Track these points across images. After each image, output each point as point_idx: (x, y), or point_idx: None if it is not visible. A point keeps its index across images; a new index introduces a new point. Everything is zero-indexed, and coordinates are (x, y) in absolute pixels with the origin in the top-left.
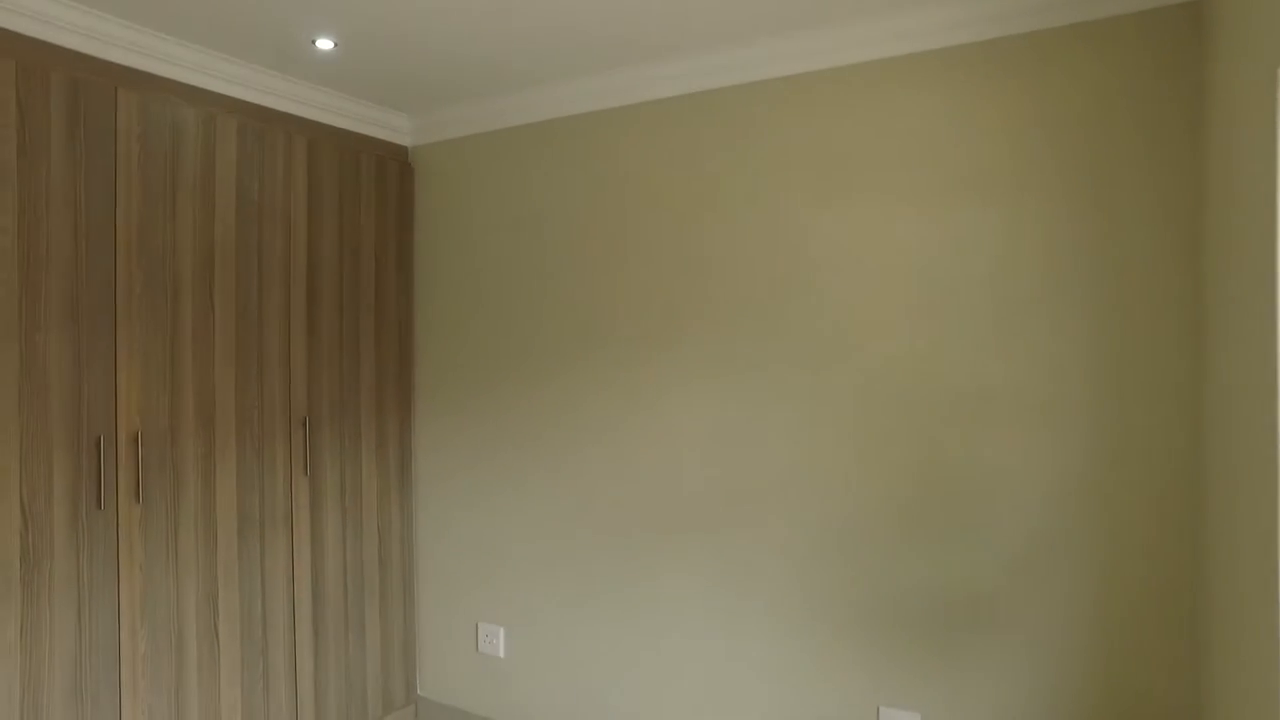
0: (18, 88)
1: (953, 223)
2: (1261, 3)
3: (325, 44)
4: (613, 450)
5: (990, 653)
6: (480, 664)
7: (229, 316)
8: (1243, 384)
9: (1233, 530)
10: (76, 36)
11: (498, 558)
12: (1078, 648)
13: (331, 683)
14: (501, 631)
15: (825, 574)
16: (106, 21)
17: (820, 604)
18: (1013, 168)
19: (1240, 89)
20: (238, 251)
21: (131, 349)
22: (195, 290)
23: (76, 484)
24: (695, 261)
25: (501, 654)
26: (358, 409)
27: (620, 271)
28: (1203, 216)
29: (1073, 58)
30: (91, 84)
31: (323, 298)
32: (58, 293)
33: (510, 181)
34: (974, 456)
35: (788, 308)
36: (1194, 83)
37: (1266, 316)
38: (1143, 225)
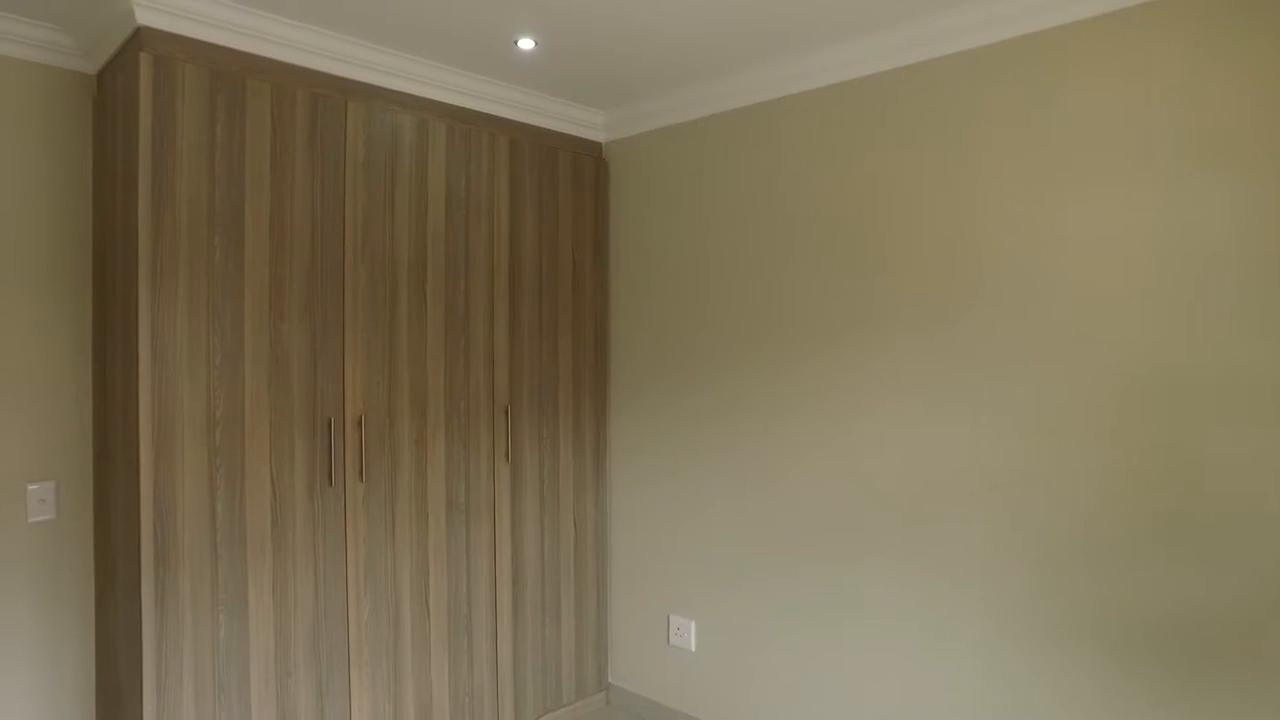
0: (272, 107)
1: (1185, 196)
2: None
3: (526, 44)
4: (811, 446)
5: (1257, 696)
6: (671, 656)
7: (439, 307)
8: None
9: None
10: (316, 56)
11: (690, 551)
12: None
13: (529, 664)
14: (693, 625)
15: (1054, 587)
16: (339, 41)
17: (1047, 620)
18: (1254, 133)
19: None
20: (447, 247)
21: (356, 338)
22: (410, 283)
23: (312, 461)
24: (883, 250)
25: (693, 647)
26: (555, 399)
27: (808, 262)
28: None
29: None
30: (327, 98)
31: (523, 290)
32: (298, 287)
33: (697, 173)
34: (1234, 459)
35: (1002, 300)
36: None
37: None
38: None
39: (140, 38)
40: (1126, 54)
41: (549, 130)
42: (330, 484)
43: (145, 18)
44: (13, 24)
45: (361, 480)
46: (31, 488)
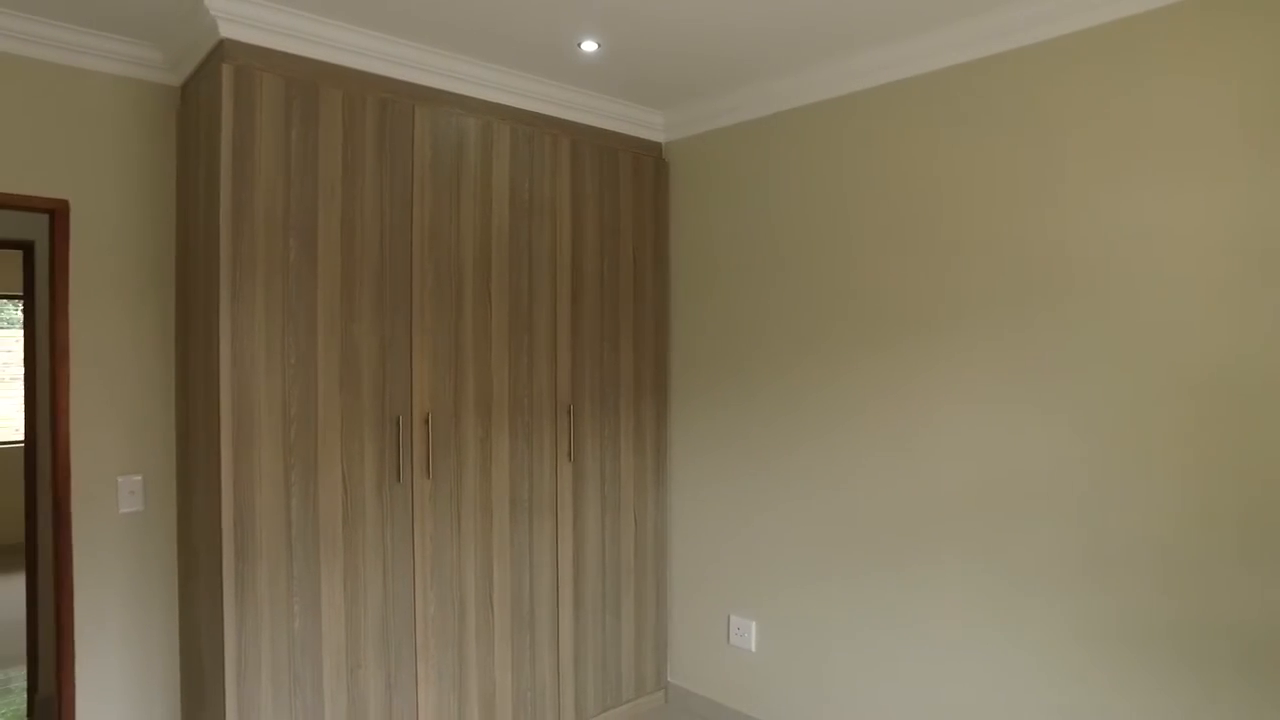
0: (343, 113)
1: (1268, 190)
2: None
3: (589, 46)
4: (876, 446)
5: None
6: (731, 656)
7: (503, 307)
8: None
9: None
10: (385, 63)
11: (751, 551)
12: None
13: (590, 661)
14: (753, 625)
15: (1134, 595)
16: (408, 47)
17: (1126, 630)
18: None
19: None
20: (511, 248)
21: (423, 337)
22: (475, 283)
23: (381, 459)
24: (952, 249)
25: (753, 648)
26: (617, 398)
27: (872, 260)
28: None
29: None
30: (395, 103)
31: (585, 290)
32: (367, 288)
33: (758, 172)
34: None
35: (1079, 297)
36: None
37: None
38: None
39: (223, 49)
40: (1209, 42)
41: (609, 131)
42: (399, 481)
43: (228, 30)
44: (107, 41)
45: (428, 477)
46: (122, 480)
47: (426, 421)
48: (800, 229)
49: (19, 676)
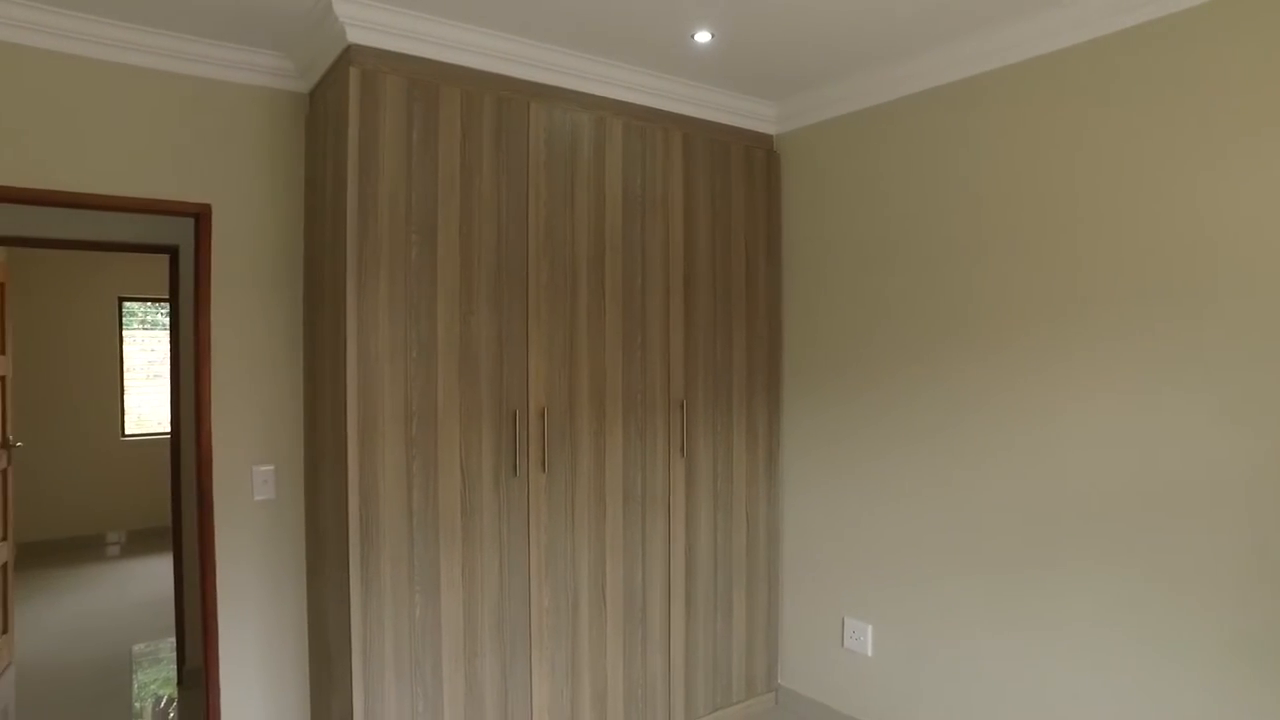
0: (462, 112)
1: None
2: None
3: (703, 37)
4: (1000, 448)
5: None
6: (845, 660)
7: (616, 301)
8: None
9: None
10: (502, 61)
11: (866, 552)
12: None
13: (700, 659)
14: (869, 629)
15: None
16: (524, 45)
17: None
18: None
19: None
20: (624, 242)
21: (539, 332)
22: (589, 278)
23: (498, 451)
24: (1088, 237)
25: (869, 652)
26: (729, 394)
27: (995, 251)
28: None
29: None
30: (511, 100)
31: (697, 284)
32: (485, 283)
33: (874, 161)
34: None
35: (1238, 287)
36: None
37: None
38: None
39: (350, 54)
40: None
41: (721, 124)
42: (515, 474)
43: (355, 36)
44: (245, 53)
45: (544, 471)
46: (256, 470)
47: (542, 415)
48: (916, 221)
49: (166, 647)
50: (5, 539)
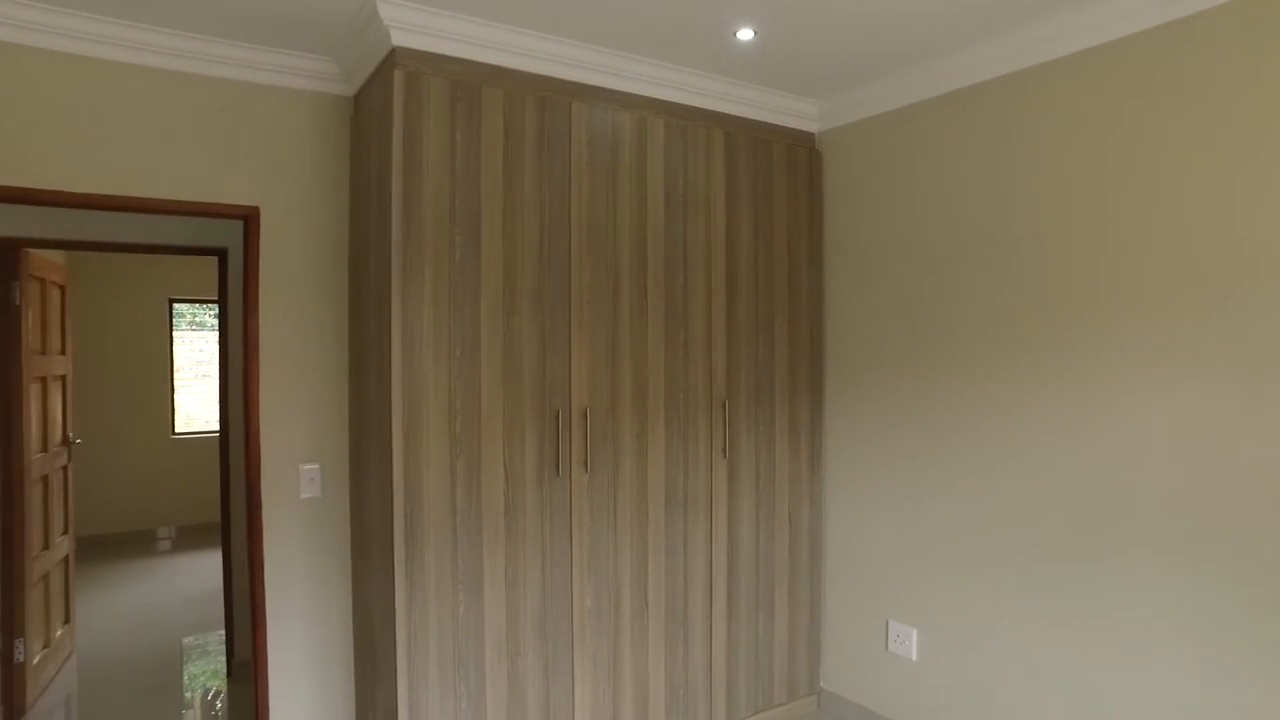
0: (504, 113)
1: None
2: None
3: (745, 34)
4: (1053, 442)
5: None
6: (889, 664)
7: (659, 302)
8: None
9: None
10: (543, 61)
11: (913, 555)
12: None
13: (742, 660)
14: (914, 633)
15: None
16: (566, 45)
17: None
18: None
19: None
20: (666, 241)
21: (581, 332)
22: (632, 278)
23: (541, 450)
24: (1141, 225)
25: (914, 657)
26: (771, 395)
27: (1040, 240)
28: None
29: None
30: (553, 101)
31: (739, 283)
32: (528, 283)
33: (917, 158)
34: None
35: None
36: None
37: None
38: None
39: (394, 56)
40: None
41: (763, 122)
42: (558, 473)
43: (399, 39)
44: (291, 58)
45: (586, 471)
46: (303, 469)
47: (585, 415)
48: (959, 216)
49: (215, 640)
50: (66, 533)
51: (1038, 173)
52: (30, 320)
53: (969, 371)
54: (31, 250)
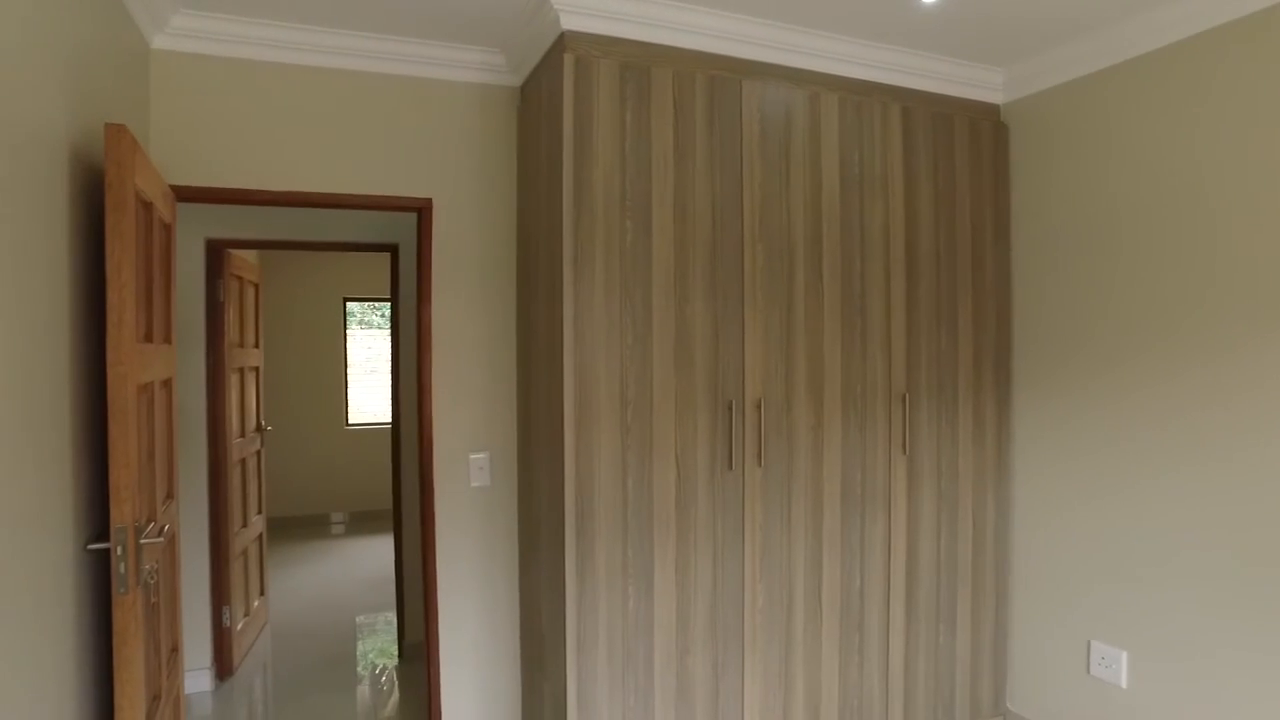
0: (674, 93)
1: None
2: None
3: None
4: None
5: None
6: (1091, 690)
7: (834, 288)
8: None
9: None
10: (712, 39)
11: (1121, 567)
12: None
13: (921, 673)
14: (1124, 656)
15: None
16: (735, 21)
17: None
18: None
19: None
20: (841, 224)
21: (754, 320)
22: (806, 262)
23: (713, 443)
24: None
25: (1123, 683)
26: (955, 388)
27: (1260, 217)
28: None
29: None
30: (723, 79)
31: (919, 268)
32: (699, 269)
33: (1116, 128)
34: None
35: None
36: None
37: None
38: None
39: (563, 41)
40: None
41: (943, 95)
42: (730, 468)
43: (568, 22)
44: (460, 52)
45: (760, 465)
46: (473, 458)
47: (758, 406)
48: (1164, 190)
49: (383, 621)
50: (260, 512)
51: (1254, 140)
52: (230, 315)
53: (1186, 358)
54: (230, 250)
